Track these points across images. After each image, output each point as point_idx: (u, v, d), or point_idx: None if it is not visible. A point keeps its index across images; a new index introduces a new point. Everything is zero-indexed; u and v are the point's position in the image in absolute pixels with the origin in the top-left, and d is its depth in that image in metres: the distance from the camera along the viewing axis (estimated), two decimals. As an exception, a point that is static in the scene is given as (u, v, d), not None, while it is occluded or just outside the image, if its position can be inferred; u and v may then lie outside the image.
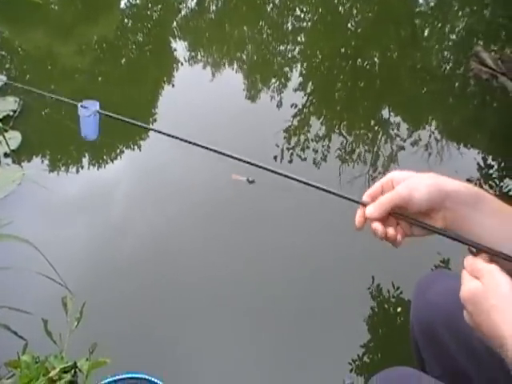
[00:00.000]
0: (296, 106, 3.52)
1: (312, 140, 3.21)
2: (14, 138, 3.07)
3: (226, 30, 4.93)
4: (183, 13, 5.20)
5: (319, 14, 5.20)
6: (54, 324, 1.44)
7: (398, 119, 3.43)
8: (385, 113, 3.52)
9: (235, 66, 4.24)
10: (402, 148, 3.14)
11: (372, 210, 0.81)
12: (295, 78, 3.93)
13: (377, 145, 3.19)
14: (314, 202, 2.36)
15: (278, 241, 2.47)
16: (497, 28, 4.55)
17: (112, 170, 3.06)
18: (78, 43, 4.42)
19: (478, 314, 0.75)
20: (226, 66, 4.22)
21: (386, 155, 3.07)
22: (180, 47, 4.50)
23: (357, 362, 2.00)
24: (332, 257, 2.39)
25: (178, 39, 4.71)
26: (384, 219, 0.82)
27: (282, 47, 4.55)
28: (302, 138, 3.24)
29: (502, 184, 2.81)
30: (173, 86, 3.96)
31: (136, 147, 3.23)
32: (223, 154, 0.96)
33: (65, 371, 1.39)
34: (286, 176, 0.90)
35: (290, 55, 4.38)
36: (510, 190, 2.75)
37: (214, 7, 5.35)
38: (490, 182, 2.82)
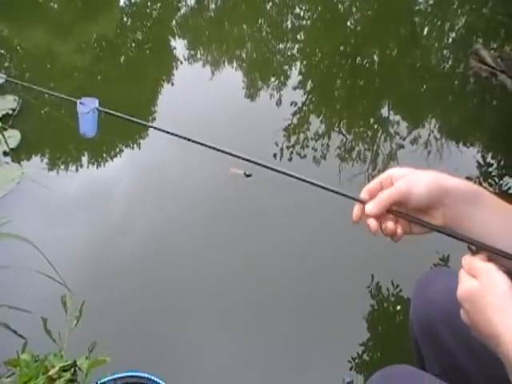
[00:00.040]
0: (295, 104, 3.52)
1: (311, 138, 3.21)
2: (14, 136, 3.07)
3: (225, 28, 4.93)
4: (183, 11, 5.20)
5: (319, 12, 5.19)
6: (54, 323, 1.44)
7: (398, 117, 3.43)
8: (384, 111, 3.52)
9: (235, 65, 4.24)
10: (402, 146, 3.14)
11: (372, 207, 0.81)
12: (295, 76, 3.93)
13: (376, 143, 3.19)
14: (314, 199, 2.36)
15: (278, 238, 2.47)
16: (496, 26, 4.55)
17: (111, 169, 3.06)
18: (78, 41, 4.42)
19: (474, 313, 0.75)
20: (226, 64, 4.22)
21: (386, 153, 3.07)
22: (179, 45, 4.50)
23: (356, 360, 2.00)
24: (332, 254, 2.39)
25: (177, 37, 4.71)
26: (382, 215, 0.82)
27: (281, 45, 4.55)
28: (302, 136, 3.24)
29: (501, 182, 2.81)
30: (172, 84, 3.96)
31: (135, 145, 3.23)
32: (222, 152, 0.96)
33: (64, 370, 1.39)
34: (284, 173, 0.89)
35: (289, 53, 4.38)
36: (509, 188, 2.75)
37: (213, 5, 5.35)
38: (490, 180, 2.82)
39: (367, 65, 4.10)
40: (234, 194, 2.68)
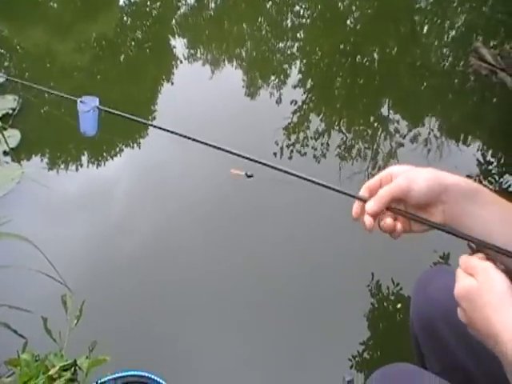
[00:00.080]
0: (295, 103, 3.52)
1: (311, 137, 3.21)
2: (13, 136, 3.07)
3: (225, 27, 4.93)
4: (182, 10, 5.20)
5: (318, 11, 5.19)
6: (54, 322, 1.44)
7: (398, 115, 3.43)
8: (384, 109, 3.52)
9: (234, 63, 4.24)
10: (402, 144, 3.14)
11: (372, 205, 0.81)
12: (294, 75, 3.93)
13: (376, 141, 3.18)
14: (314, 197, 2.36)
15: (278, 237, 2.47)
16: (496, 24, 4.55)
17: (111, 168, 3.06)
18: (77, 41, 4.41)
19: (472, 311, 0.75)
20: (226, 63, 4.22)
21: (386, 151, 3.07)
22: (179, 44, 4.50)
23: (357, 359, 2.00)
24: (332, 253, 2.39)
25: (177, 36, 4.71)
26: (381, 213, 0.82)
27: (281, 44, 4.55)
28: (302, 134, 3.24)
29: (501, 180, 2.81)
30: (172, 83, 3.96)
31: (135, 144, 3.23)
32: (222, 150, 0.96)
33: (64, 369, 1.39)
34: (285, 172, 0.89)
35: (289, 52, 4.37)
36: (509, 186, 2.75)
37: (212, 4, 5.35)
38: (490, 178, 2.82)
39: (367, 63, 4.10)
40: (233, 192, 2.67)
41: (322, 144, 3.14)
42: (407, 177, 0.81)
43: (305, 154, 3.06)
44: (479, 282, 0.74)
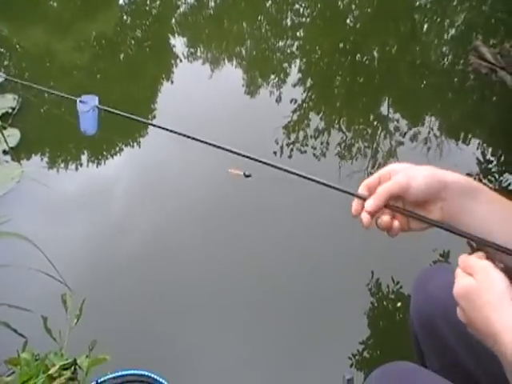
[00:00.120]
0: (295, 102, 3.52)
1: (311, 135, 3.21)
2: (13, 135, 3.07)
3: (224, 26, 4.92)
4: (182, 9, 5.19)
5: (318, 10, 5.18)
6: (54, 321, 1.44)
7: (397, 114, 3.43)
8: (384, 108, 3.52)
9: (234, 62, 4.23)
10: (402, 143, 3.14)
11: (371, 203, 0.81)
12: (294, 74, 3.93)
13: (376, 140, 3.18)
14: (314, 196, 2.36)
15: (278, 236, 2.47)
16: (496, 22, 4.54)
17: (111, 167, 3.06)
18: (77, 40, 4.41)
19: (471, 311, 0.75)
20: (225, 61, 4.21)
21: (386, 150, 3.07)
22: (179, 43, 4.49)
23: (357, 357, 2.00)
24: (332, 251, 2.39)
25: (176, 35, 4.70)
26: (380, 210, 0.82)
27: (281, 43, 4.54)
28: (302, 133, 3.23)
29: (501, 178, 2.81)
30: (172, 82, 3.96)
31: (135, 143, 3.23)
32: (221, 148, 0.96)
33: (64, 368, 1.39)
34: (285, 170, 0.90)
35: (289, 51, 4.37)
36: (509, 185, 2.74)
37: (212, 3, 5.34)
38: (490, 177, 2.82)
39: (367, 62, 4.10)
40: (233, 191, 2.67)
41: (321, 143, 3.14)
42: (406, 174, 0.81)
43: (305, 152, 3.06)
44: (478, 281, 0.74)
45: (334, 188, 0.86)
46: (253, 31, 4.83)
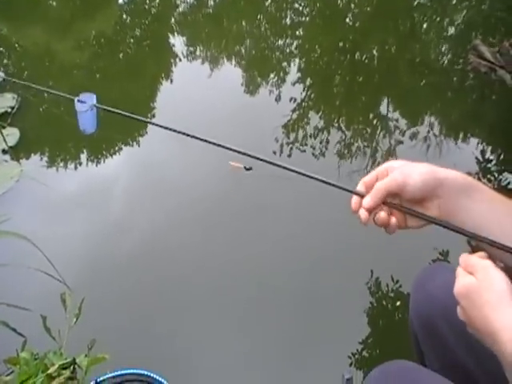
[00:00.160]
0: (295, 101, 3.51)
1: (311, 134, 3.20)
2: (12, 134, 3.07)
3: (224, 25, 4.92)
4: (181, 8, 5.19)
5: (317, 8, 5.18)
6: (53, 320, 1.44)
7: (397, 113, 3.43)
8: (383, 107, 3.52)
9: (234, 61, 4.23)
10: (401, 142, 3.14)
11: (369, 200, 0.81)
12: (294, 73, 3.92)
13: (375, 138, 3.18)
14: (314, 194, 2.36)
15: (278, 233, 2.47)
16: (495, 21, 4.54)
17: (110, 166, 3.05)
18: (76, 39, 4.41)
19: (471, 310, 0.75)
20: (225, 60, 4.21)
21: (385, 149, 3.07)
22: (178, 42, 4.49)
23: (356, 356, 2.00)
24: (332, 249, 2.39)
25: (176, 34, 4.70)
26: (377, 207, 0.82)
27: (280, 42, 4.54)
28: (301, 132, 3.23)
29: (500, 177, 2.81)
30: (171, 80, 3.96)
31: (134, 142, 3.22)
32: (221, 146, 0.96)
33: (64, 367, 1.39)
34: (284, 167, 0.90)
35: (288, 50, 4.37)
36: (508, 184, 2.74)
37: (212, 2, 5.34)
38: (489, 176, 2.82)
39: (366, 61, 4.09)
40: (233, 189, 2.67)
41: (321, 141, 3.14)
42: (403, 171, 0.81)
43: (304, 151, 3.05)
44: (478, 280, 0.74)
45: (332, 185, 0.86)
46: (252, 30, 4.83)
